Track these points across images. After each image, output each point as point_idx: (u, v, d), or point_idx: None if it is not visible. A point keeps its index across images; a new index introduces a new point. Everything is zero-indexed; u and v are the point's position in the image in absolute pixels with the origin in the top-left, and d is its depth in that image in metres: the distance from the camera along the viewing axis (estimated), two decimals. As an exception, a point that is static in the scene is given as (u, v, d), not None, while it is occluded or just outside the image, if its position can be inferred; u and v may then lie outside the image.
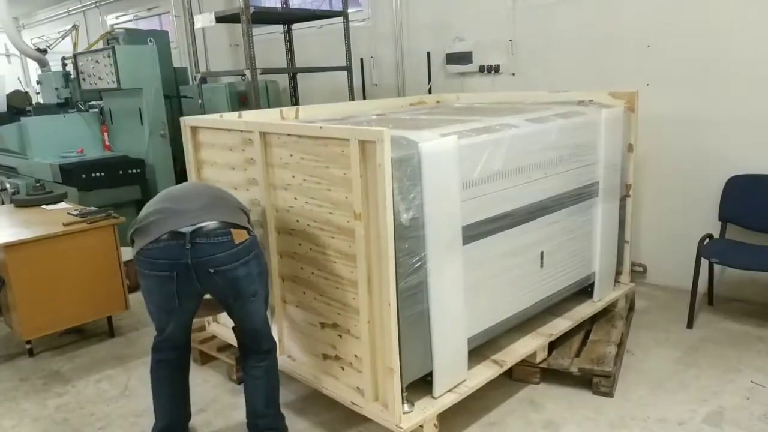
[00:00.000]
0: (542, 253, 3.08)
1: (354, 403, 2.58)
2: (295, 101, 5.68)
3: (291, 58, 5.68)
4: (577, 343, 3.23)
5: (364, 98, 5.79)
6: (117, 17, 9.37)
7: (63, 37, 8.41)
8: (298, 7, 6.38)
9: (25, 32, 11.88)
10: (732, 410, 2.80)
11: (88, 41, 8.40)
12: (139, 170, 5.20)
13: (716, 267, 3.93)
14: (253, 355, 2.54)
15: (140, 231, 2.37)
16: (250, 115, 3.49)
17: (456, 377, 2.67)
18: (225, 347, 3.33)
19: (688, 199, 4.06)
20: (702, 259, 3.60)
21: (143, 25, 8.93)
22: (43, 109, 6.19)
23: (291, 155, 2.65)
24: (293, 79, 5.70)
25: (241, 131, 2.91)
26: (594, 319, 3.47)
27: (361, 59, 5.80)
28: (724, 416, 2.76)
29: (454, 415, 2.75)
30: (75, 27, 8.00)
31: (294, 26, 5.67)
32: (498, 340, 3.00)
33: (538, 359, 3.03)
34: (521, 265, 2.97)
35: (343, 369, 2.68)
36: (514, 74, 4.77)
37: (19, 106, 7.13)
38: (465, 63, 4.97)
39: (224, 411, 3.02)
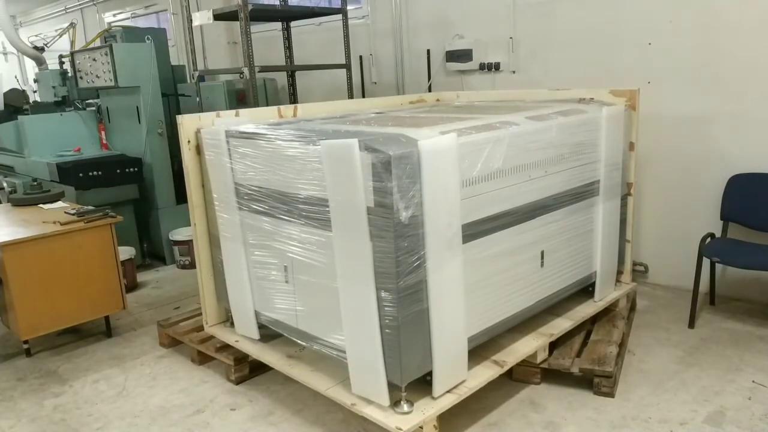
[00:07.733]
0: (543, 252, 3.06)
1: (354, 404, 2.56)
2: (293, 99, 5.65)
3: (289, 55, 5.65)
4: (577, 343, 3.21)
5: (364, 96, 5.77)
6: (114, 15, 9.34)
7: (60, 35, 8.40)
8: (296, 4, 6.34)
9: (22, 30, 11.85)
10: (733, 410, 2.78)
11: (85, 39, 8.37)
12: (136, 169, 5.17)
13: (718, 266, 3.92)
14: None
15: None
16: (247, 113, 3.46)
17: (456, 377, 2.64)
18: (223, 347, 3.31)
19: (689, 198, 4.04)
20: (703, 258, 3.58)
21: (141, 23, 8.90)
22: (40, 108, 6.15)
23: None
24: (292, 76, 5.67)
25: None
26: (595, 318, 3.45)
27: (360, 57, 5.77)
28: (725, 416, 2.74)
29: (453, 416, 2.73)
30: (72, 25, 7.98)
31: (293, 24, 5.65)
32: (498, 340, 2.98)
33: (539, 359, 3.01)
34: (521, 264, 2.95)
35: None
36: (514, 72, 4.75)
37: (16, 105, 7.09)
38: (465, 61, 4.94)
39: (223, 411, 3.00)
